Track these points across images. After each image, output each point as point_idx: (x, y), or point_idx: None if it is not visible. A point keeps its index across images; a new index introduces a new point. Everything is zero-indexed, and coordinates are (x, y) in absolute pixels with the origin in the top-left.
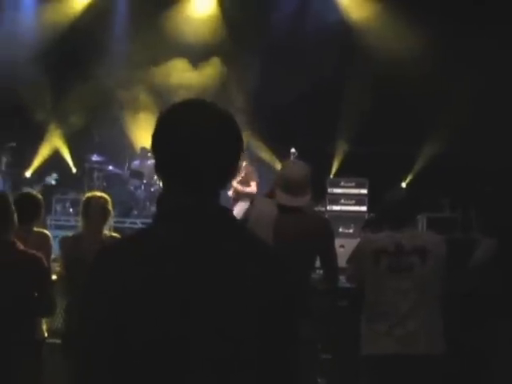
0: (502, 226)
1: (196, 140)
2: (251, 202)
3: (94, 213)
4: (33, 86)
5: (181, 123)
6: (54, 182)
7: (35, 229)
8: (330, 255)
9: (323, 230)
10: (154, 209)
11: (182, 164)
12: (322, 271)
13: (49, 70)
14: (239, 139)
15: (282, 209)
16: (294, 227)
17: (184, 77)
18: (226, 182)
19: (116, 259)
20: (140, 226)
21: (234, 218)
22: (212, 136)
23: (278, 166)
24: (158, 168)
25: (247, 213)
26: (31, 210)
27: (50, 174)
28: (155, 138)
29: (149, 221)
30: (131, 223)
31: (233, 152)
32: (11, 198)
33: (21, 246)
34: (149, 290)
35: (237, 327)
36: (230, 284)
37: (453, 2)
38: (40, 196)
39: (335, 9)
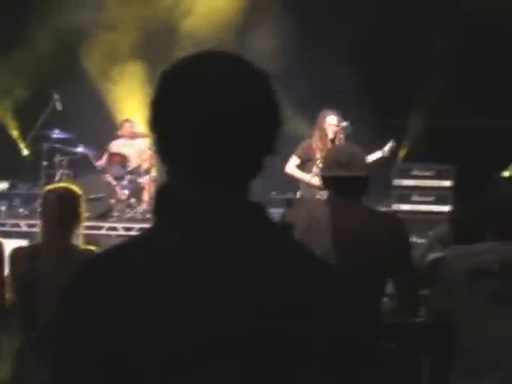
0: None
1: (221, 109)
2: (289, 204)
3: (53, 214)
4: None
5: (197, 85)
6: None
7: None
8: (407, 273)
9: (398, 234)
10: (142, 209)
11: (204, 145)
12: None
13: None
14: (278, 110)
15: (337, 203)
16: (356, 230)
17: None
18: (259, 170)
19: (109, 277)
20: (122, 233)
21: (275, 221)
22: (243, 105)
23: None
24: (164, 152)
25: (289, 217)
26: None
27: None
28: (157, 107)
29: (140, 226)
30: (109, 229)
31: (271, 127)
32: None
33: None
34: (164, 320)
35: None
36: (281, 318)
37: None
38: None
39: None
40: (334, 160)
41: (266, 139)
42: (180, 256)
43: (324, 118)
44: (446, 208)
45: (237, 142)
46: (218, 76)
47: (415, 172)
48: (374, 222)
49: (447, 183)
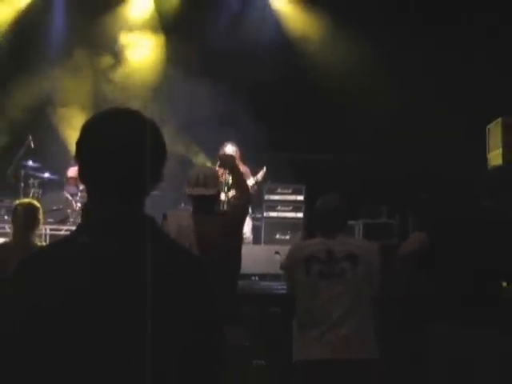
0: (434, 224)
1: (120, 150)
2: (164, 217)
3: (20, 220)
4: None
5: (104, 132)
6: None
7: None
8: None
9: (235, 236)
10: None
11: (107, 174)
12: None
13: None
14: (163, 147)
15: (198, 215)
16: (212, 233)
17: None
18: (151, 190)
19: (38, 266)
20: None
21: (161, 227)
22: (136, 145)
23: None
24: (83, 177)
25: (164, 227)
26: None
27: None
28: (79, 147)
29: None
30: (67, 231)
31: (157, 160)
32: None
33: None
34: (74, 306)
35: (162, 347)
36: (164, 302)
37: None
38: None
39: (272, 19)
40: (194, 180)
41: (153, 171)
42: (85, 253)
43: (223, 147)
44: (299, 215)
45: (130, 173)
46: (117, 126)
47: (279, 190)
48: (219, 227)
49: (300, 197)
